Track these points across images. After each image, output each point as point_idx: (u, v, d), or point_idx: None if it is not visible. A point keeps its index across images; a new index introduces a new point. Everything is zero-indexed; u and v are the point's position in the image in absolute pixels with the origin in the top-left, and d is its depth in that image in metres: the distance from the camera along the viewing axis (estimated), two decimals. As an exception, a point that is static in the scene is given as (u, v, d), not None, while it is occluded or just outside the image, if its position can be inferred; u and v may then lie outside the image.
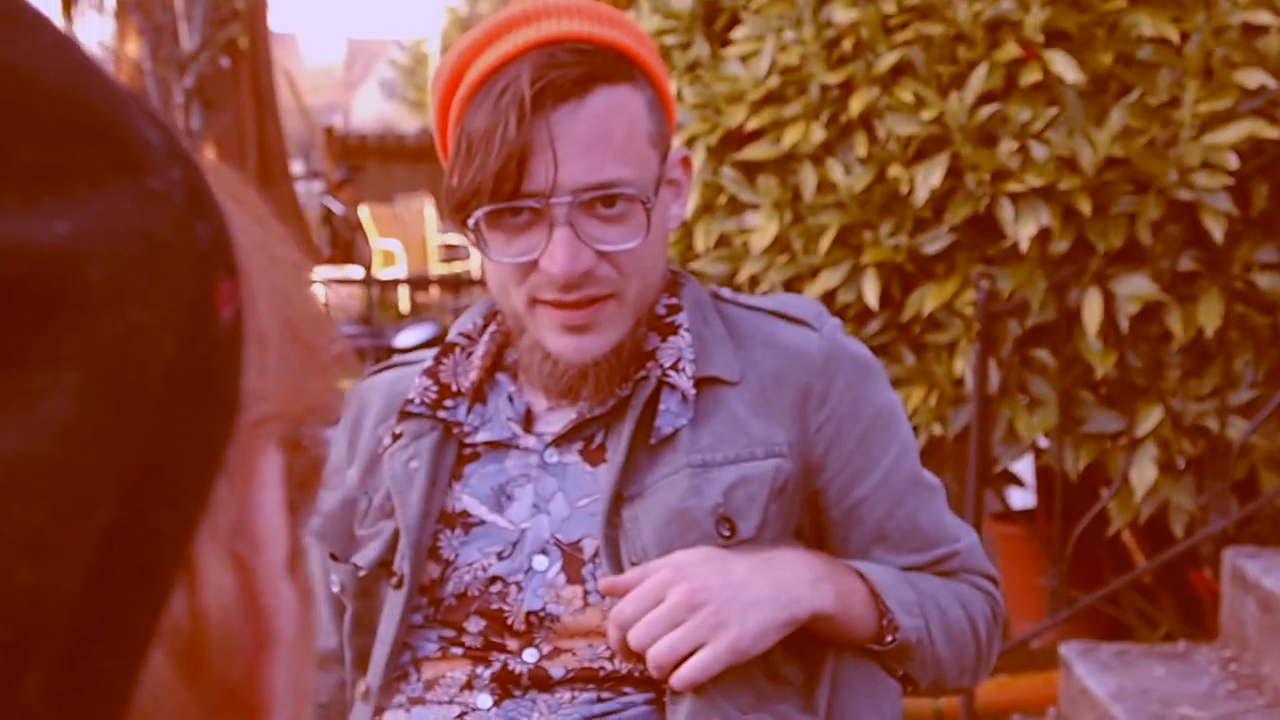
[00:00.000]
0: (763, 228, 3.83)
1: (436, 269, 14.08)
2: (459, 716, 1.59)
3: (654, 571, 1.54)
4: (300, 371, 0.47)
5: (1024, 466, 4.22)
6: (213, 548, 0.43)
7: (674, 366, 1.65)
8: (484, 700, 1.59)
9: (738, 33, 3.98)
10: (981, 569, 1.73)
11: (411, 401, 1.71)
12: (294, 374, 0.47)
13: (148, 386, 0.40)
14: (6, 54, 0.40)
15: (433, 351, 1.78)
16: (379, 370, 1.84)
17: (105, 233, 0.39)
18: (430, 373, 1.73)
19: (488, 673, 1.60)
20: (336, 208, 15.67)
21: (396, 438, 1.71)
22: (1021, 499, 4.49)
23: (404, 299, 12.69)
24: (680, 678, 1.53)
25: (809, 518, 1.68)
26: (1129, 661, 3.52)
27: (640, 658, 1.54)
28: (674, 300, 1.71)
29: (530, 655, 1.60)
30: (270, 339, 0.46)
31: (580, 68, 1.56)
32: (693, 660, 1.52)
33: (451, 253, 14.54)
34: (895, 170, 3.61)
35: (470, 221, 1.59)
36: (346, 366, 0.51)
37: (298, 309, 0.48)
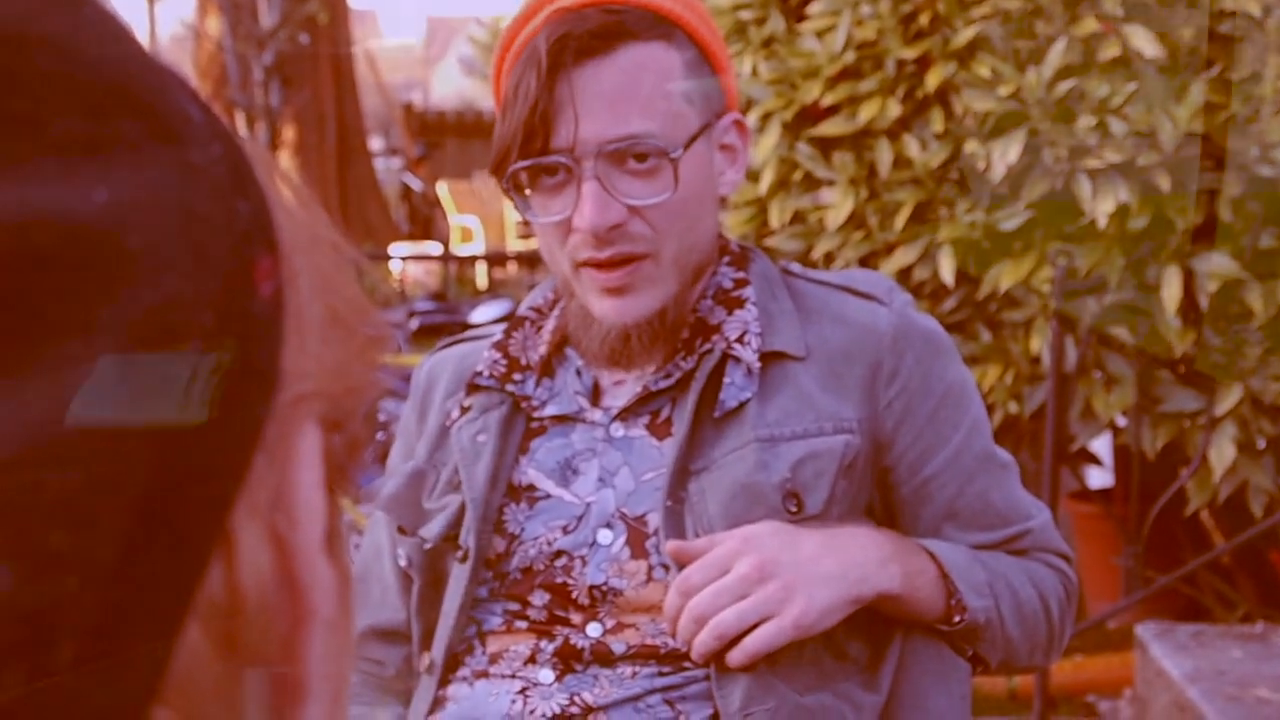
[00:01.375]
0: (838, 204, 3.82)
1: (514, 245, 14.12)
2: (521, 690, 1.59)
3: (722, 541, 1.54)
4: (340, 351, 0.47)
5: (1101, 445, 4.19)
6: (250, 523, 0.43)
7: (739, 340, 1.64)
8: (546, 675, 1.59)
9: (814, 8, 3.96)
10: (1055, 547, 1.71)
11: (480, 374, 1.72)
12: (333, 354, 0.47)
13: (185, 358, 0.40)
14: (48, 27, 0.40)
15: (503, 326, 1.78)
16: (450, 344, 1.85)
17: (144, 203, 0.39)
18: (499, 346, 1.74)
19: (551, 647, 1.60)
20: (415, 184, 15.73)
21: (465, 411, 1.71)
22: (1099, 478, 4.46)
23: (481, 275, 12.71)
24: (743, 649, 1.52)
25: (879, 495, 1.67)
26: (1206, 643, 3.48)
27: (695, 631, 1.53)
28: (741, 274, 1.71)
29: (593, 629, 1.60)
30: (310, 318, 0.46)
31: (604, 24, 1.57)
32: (757, 633, 1.51)
33: (528, 229, 14.53)
34: (972, 146, 3.59)
35: (504, 181, 1.61)
36: (387, 348, 0.51)
37: (338, 291, 0.48)
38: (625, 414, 1.67)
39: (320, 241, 0.48)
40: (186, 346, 0.40)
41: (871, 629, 1.61)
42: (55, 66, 0.39)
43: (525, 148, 1.57)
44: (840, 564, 1.55)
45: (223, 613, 0.42)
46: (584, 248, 1.59)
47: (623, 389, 1.69)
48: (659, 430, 1.65)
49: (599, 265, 1.60)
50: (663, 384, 1.66)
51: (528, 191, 1.62)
